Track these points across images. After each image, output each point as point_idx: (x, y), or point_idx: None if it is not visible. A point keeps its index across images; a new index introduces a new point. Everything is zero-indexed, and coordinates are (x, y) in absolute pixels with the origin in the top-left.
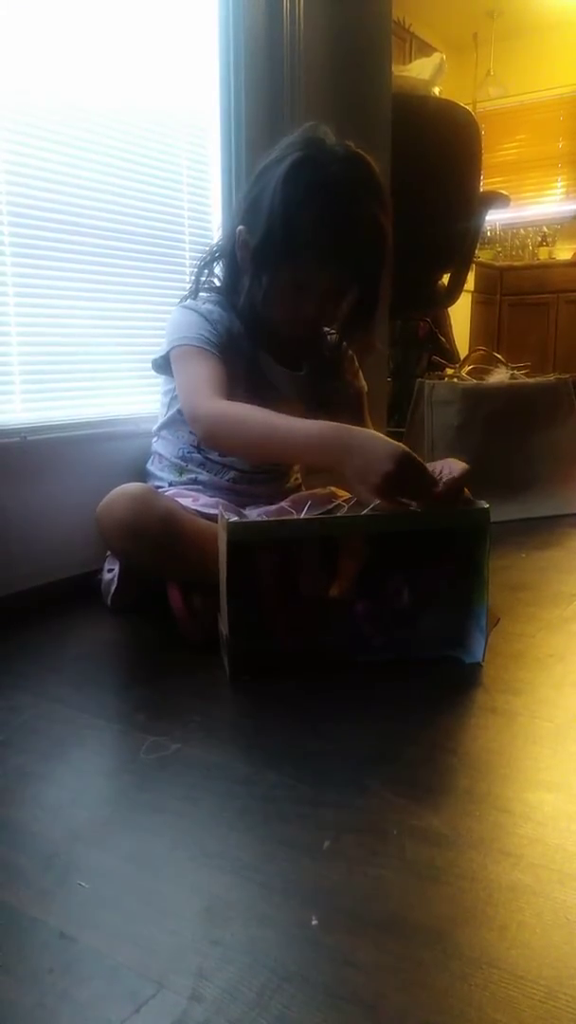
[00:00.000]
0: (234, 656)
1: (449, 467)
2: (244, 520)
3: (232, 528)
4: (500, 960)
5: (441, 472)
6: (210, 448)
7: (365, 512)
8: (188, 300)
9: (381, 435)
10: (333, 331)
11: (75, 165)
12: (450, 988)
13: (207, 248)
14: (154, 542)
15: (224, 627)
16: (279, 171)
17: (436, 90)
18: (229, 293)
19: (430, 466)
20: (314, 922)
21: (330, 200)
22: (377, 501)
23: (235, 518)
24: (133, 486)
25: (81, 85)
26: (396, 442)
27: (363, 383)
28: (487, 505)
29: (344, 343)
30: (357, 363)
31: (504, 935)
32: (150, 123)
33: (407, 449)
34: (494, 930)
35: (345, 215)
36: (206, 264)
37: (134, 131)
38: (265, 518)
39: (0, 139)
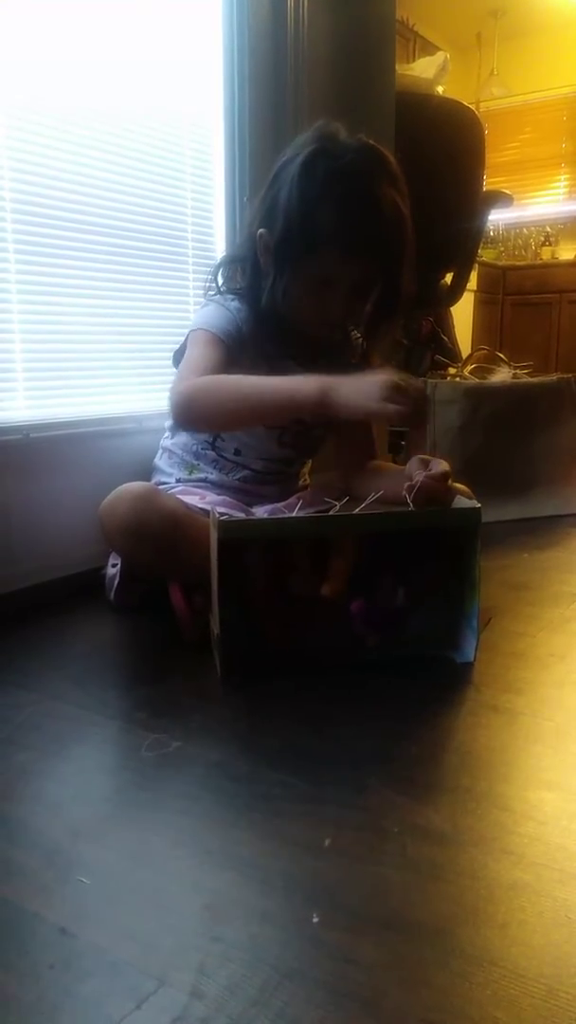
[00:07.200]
0: (225, 655)
1: (434, 464)
2: (235, 518)
3: (224, 526)
4: (501, 958)
5: (430, 466)
6: (186, 427)
7: (358, 511)
8: (217, 295)
9: None
10: (358, 334)
11: (79, 163)
12: (451, 986)
13: (223, 253)
14: (156, 542)
15: (215, 625)
16: (294, 166)
17: (439, 89)
18: (251, 298)
19: (418, 458)
20: (315, 919)
21: (347, 188)
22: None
23: (227, 515)
24: (136, 485)
25: (86, 84)
26: None
27: None
28: (479, 505)
29: (367, 347)
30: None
31: (505, 933)
32: (154, 121)
33: None
34: (495, 928)
35: (364, 201)
36: (222, 265)
37: (138, 129)
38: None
39: (5, 137)
